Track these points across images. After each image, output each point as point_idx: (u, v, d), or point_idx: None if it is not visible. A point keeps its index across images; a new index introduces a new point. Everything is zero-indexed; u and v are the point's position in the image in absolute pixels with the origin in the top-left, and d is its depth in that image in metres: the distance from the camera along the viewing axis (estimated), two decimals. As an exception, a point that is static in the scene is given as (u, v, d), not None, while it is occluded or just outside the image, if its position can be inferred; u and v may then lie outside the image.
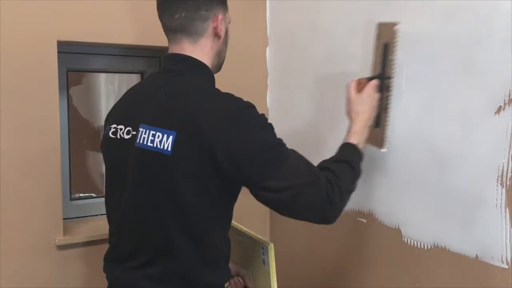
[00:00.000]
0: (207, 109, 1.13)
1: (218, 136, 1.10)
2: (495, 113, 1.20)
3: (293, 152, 1.19)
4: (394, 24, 1.37)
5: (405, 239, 1.47)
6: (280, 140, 1.18)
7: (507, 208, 1.19)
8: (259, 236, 1.38)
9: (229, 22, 1.34)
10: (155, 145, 1.14)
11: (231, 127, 1.11)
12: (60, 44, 1.74)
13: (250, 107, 1.17)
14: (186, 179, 1.13)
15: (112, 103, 2.47)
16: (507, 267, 1.19)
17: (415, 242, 1.44)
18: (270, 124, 1.19)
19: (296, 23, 1.93)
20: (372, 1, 1.56)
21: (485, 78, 1.23)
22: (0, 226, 1.65)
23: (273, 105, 2.09)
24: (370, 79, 1.39)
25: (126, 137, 1.23)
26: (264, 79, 2.11)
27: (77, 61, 1.94)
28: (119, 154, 1.25)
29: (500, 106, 1.19)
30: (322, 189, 1.14)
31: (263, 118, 1.18)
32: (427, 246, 1.40)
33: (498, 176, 1.20)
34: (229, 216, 1.28)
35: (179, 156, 1.12)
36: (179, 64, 1.26)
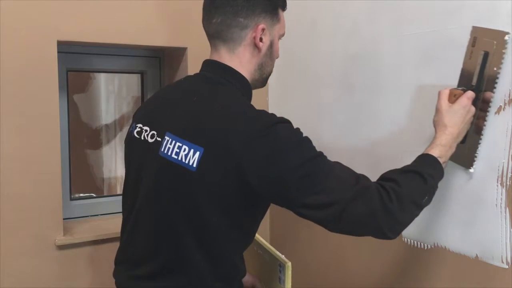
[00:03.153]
0: (239, 128, 1.05)
1: (249, 155, 1.03)
2: (495, 113, 1.20)
3: (337, 164, 1.10)
4: (504, 33, 1.18)
5: (405, 239, 1.47)
6: (320, 153, 1.09)
7: (507, 208, 1.19)
8: (278, 253, 1.33)
9: (281, 36, 1.25)
10: (180, 158, 1.08)
11: (262, 145, 1.03)
12: (60, 44, 1.74)
13: (283, 122, 1.09)
14: (208, 198, 1.07)
15: (112, 103, 2.48)
16: (507, 267, 1.19)
17: (415, 242, 1.44)
18: (307, 137, 1.10)
19: (296, 23, 1.93)
20: (372, 1, 1.56)
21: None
22: (0, 226, 1.65)
23: (273, 105, 2.09)
24: (464, 90, 1.21)
25: (150, 140, 1.17)
26: (264, 79, 2.11)
27: (77, 61, 1.94)
28: (139, 155, 1.21)
29: (500, 106, 1.19)
30: (373, 199, 1.03)
31: (297, 131, 1.10)
32: (427, 246, 1.40)
33: (498, 176, 1.20)
34: (250, 237, 1.22)
35: (204, 174, 1.06)
36: (215, 72, 1.20)
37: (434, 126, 1.22)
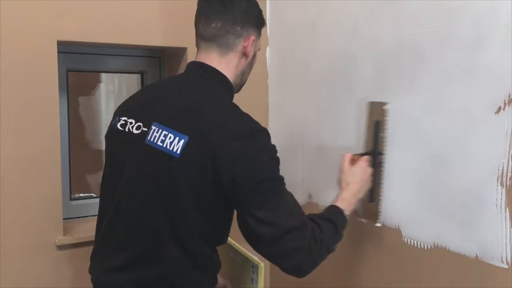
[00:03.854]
0: (222, 123, 1.13)
1: (225, 151, 1.10)
2: (495, 113, 1.20)
3: (290, 195, 1.17)
4: (384, 103, 1.47)
5: (405, 239, 1.47)
6: (282, 178, 1.17)
7: (507, 208, 1.19)
8: (251, 255, 1.37)
9: (259, 49, 1.36)
10: (165, 145, 1.14)
11: (240, 147, 1.11)
12: (60, 44, 1.74)
13: (265, 133, 1.16)
14: (188, 185, 1.13)
15: (112, 103, 2.48)
16: (507, 267, 1.19)
17: (415, 242, 1.44)
18: (278, 158, 1.17)
19: (296, 23, 1.93)
20: (372, 1, 1.56)
21: (485, 78, 1.23)
22: (0, 226, 1.65)
23: (273, 105, 2.09)
24: (362, 154, 1.45)
25: (135, 132, 1.22)
26: (264, 79, 2.11)
27: (77, 61, 1.94)
28: (124, 147, 1.25)
29: (500, 106, 1.19)
30: (307, 237, 1.12)
31: (274, 149, 1.17)
32: (427, 246, 1.40)
33: (498, 176, 1.20)
34: (222, 234, 1.26)
35: (186, 161, 1.12)
36: (201, 73, 1.27)
37: (338, 183, 1.39)
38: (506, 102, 1.17)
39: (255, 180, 1.10)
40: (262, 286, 1.33)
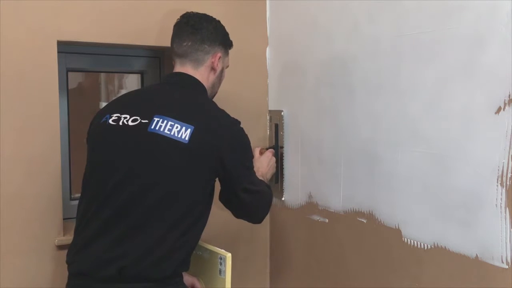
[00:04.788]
0: (218, 117, 1.43)
1: (227, 141, 1.39)
2: (495, 113, 1.20)
3: None
4: (280, 111, 2.00)
5: (405, 239, 1.47)
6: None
7: (507, 208, 1.19)
8: (218, 249, 1.50)
9: (227, 66, 1.63)
10: (172, 133, 1.34)
11: (233, 135, 1.44)
12: (60, 44, 1.74)
13: (240, 124, 1.48)
14: (193, 165, 1.35)
15: (112, 103, 2.47)
16: (507, 267, 1.19)
17: (415, 242, 1.44)
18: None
19: (296, 23, 1.93)
20: (372, 1, 1.56)
21: (485, 78, 1.23)
22: (0, 226, 1.65)
23: (273, 105, 2.09)
24: (268, 148, 1.93)
25: (131, 124, 1.39)
26: (264, 79, 2.11)
27: (77, 61, 1.94)
28: (116, 139, 1.40)
29: (500, 106, 1.19)
30: (271, 195, 1.58)
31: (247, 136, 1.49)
32: (427, 246, 1.40)
33: (498, 176, 1.20)
34: (206, 217, 1.46)
35: (193, 146, 1.34)
36: (181, 79, 1.51)
37: None
38: (506, 102, 1.17)
39: (243, 164, 1.45)
40: (230, 274, 1.46)
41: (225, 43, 1.60)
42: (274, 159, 1.85)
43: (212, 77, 1.56)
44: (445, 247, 1.35)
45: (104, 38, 1.80)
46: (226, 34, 1.61)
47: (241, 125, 1.47)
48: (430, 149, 1.38)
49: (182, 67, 1.53)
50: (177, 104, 1.43)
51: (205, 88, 1.53)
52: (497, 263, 1.21)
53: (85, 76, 2.41)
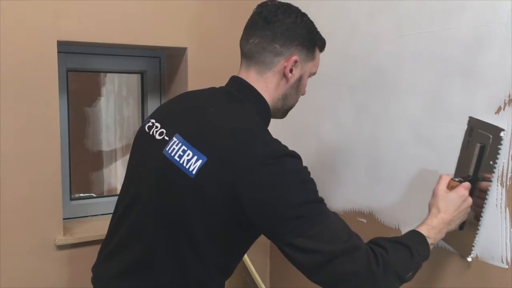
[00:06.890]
0: (246, 149, 1.04)
1: (249, 179, 1.01)
2: (495, 113, 1.20)
3: (335, 215, 1.07)
4: (500, 129, 1.18)
5: (405, 239, 1.47)
6: (321, 199, 1.07)
7: (507, 208, 1.19)
8: (261, 283, 1.38)
9: (312, 74, 1.27)
10: (181, 162, 1.08)
11: (265, 173, 1.02)
12: (60, 44, 1.74)
13: (293, 156, 1.07)
14: (198, 205, 1.07)
15: (112, 103, 2.48)
16: (507, 267, 1.19)
17: (415, 242, 1.44)
18: (313, 179, 1.08)
19: (296, 23, 1.93)
20: (372, 1, 1.56)
21: (485, 78, 1.22)
22: (0, 226, 1.65)
23: (273, 105, 2.09)
24: (461, 180, 1.21)
25: (158, 137, 1.16)
26: (264, 79, 2.11)
27: (77, 61, 1.94)
28: (144, 149, 1.21)
29: (500, 106, 1.19)
30: (360, 259, 1.01)
31: (305, 170, 1.08)
32: (427, 246, 1.40)
33: (498, 176, 1.20)
34: (230, 264, 1.20)
35: (200, 183, 1.05)
36: (239, 90, 1.19)
37: (429, 207, 1.22)
38: (506, 102, 1.17)
39: (288, 208, 1.01)
40: None
41: (308, 44, 1.20)
42: (470, 200, 1.19)
43: (284, 86, 1.20)
44: (445, 247, 1.35)
45: (104, 38, 1.80)
46: (310, 32, 1.21)
47: (296, 159, 1.08)
48: (430, 149, 1.38)
49: (246, 70, 1.20)
50: (203, 123, 1.12)
51: (265, 102, 1.19)
52: (497, 263, 1.21)
53: (85, 76, 2.41)
